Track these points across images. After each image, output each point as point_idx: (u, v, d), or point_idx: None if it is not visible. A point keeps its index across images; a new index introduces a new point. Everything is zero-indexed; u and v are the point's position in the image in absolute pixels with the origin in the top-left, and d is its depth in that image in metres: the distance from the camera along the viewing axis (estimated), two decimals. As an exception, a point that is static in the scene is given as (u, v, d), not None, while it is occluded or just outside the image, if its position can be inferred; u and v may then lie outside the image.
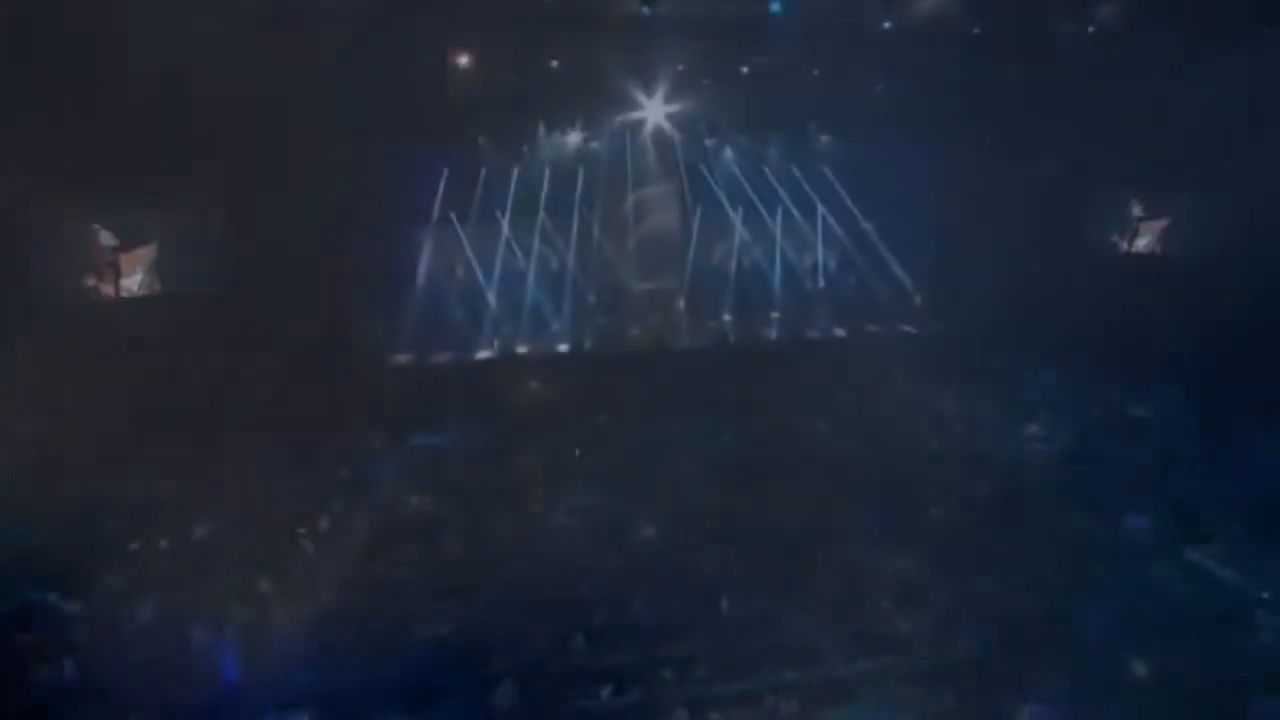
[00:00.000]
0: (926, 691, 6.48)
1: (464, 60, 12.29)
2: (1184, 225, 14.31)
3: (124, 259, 12.52)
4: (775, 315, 16.27)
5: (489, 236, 15.66)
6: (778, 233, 16.62)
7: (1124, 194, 15.07)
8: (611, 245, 16.33)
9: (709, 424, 12.61)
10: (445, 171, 15.18)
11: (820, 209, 16.48)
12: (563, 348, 15.28)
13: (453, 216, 15.45)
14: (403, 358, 14.73)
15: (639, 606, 7.86)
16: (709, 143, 16.12)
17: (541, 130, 15.27)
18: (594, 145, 15.67)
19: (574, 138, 15.50)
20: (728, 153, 16.35)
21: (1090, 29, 12.49)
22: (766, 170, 16.46)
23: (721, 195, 16.39)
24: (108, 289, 12.42)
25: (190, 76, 10.28)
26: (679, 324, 16.08)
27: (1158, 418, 12.07)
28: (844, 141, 16.25)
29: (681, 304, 16.44)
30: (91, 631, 6.90)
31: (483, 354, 14.97)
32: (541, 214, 15.71)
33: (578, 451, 12.09)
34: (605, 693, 6.66)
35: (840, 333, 15.87)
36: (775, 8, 11.28)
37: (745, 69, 13.92)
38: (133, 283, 12.69)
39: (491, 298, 15.59)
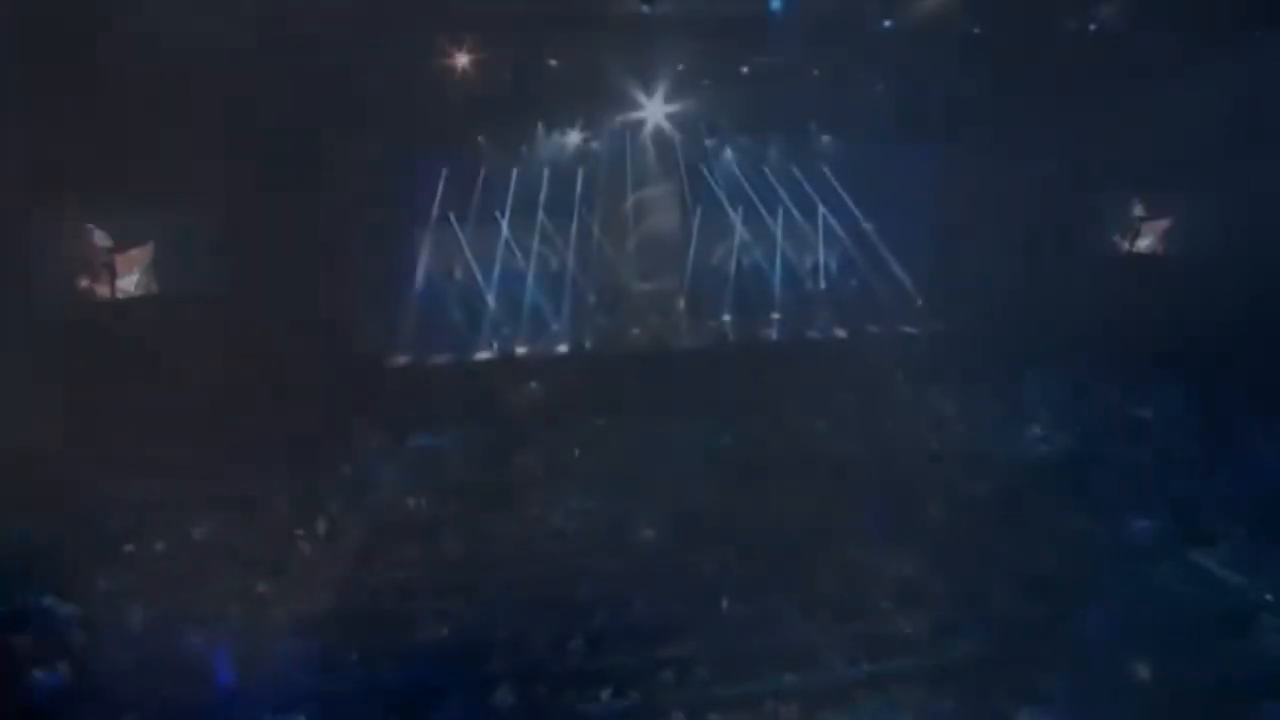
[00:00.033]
0: (928, 693, 6.44)
1: (463, 60, 12.23)
2: (1186, 225, 14.29)
3: (119, 260, 12.48)
4: (776, 316, 16.21)
5: (488, 237, 15.60)
6: (778, 233, 16.58)
7: (1125, 194, 15.05)
8: (611, 245, 16.28)
9: (709, 424, 12.59)
10: (444, 172, 15.14)
11: (821, 209, 16.43)
12: (562, 348, 15.23)
13: (451, 217, 15.40)
14: (401, 358, 14.68)
15: (639, 608, 7.84)
16: (709, 143, 16.08)
17: (541, 130, 15.25)
18: (594, 145, 15.63)
19: (574, 138, 15.46)
20: (728, 153, 16.31)
21: (1092, 26, 12.44)
22: (767, 170, 16.42)
23: (721, 195, 16.33)
24: (103, 290, 12.37)
25: (188, 76, 10.26)
26: (679, 324, 16.03)
27: (1160, 418, 12.04)
28: (844, 141, 16.21)
29: (681, 304, 16.39)
30: (87, 634, 6.84)
31: (482, 355, 14.92)
32: (541, 214, 15.67)
33: (577, 452, 12.07)
34: (604, 695, 6.62)
35: (841, 333, 15.82)
36: (775, 6, 11.22)
37: (745, 69, 13.89)
38: (129, 284, 12.64)
39: (491, 298, 15.54)
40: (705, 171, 16.22)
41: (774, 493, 9.97)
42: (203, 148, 11.18)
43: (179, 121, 10.76)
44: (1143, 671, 6.37)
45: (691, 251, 16.60)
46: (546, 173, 15.55)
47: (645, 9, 11.00)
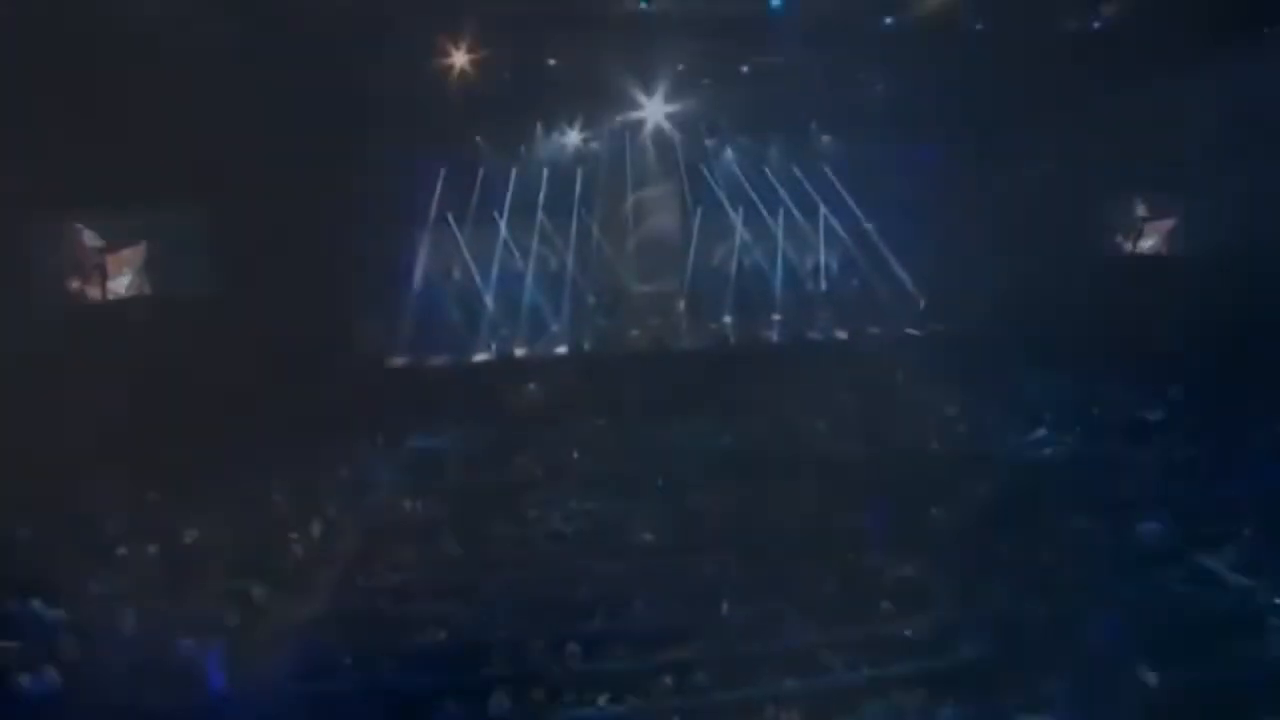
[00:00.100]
0: (930, 697, 6.35)
1: (462, 60, 12.18)
2: (1186, 225, 14.24)
3: (110, 260, 12.42)
4: (776, 317, 16.14)
5: (487, 237, 15.54)
6: (779, 233, 16.51)
7: (1126, 194, 14.99)
8: (611, 246, 16.22)
9: (709, 425, 12.51)
10: (442, 172, 15.09)
11: (821, 209, 16.37)
12: (562, 349, 15.15)
13: (450, 217, 15.34)
14: (399, 360, 14.61)
15: (637, 611, 7.75)
16: (709, 143, 16.03)
17: (540, 130, 15.19)
18: (593, 145, 15.58)
19: (573, 138, 15.42)
20: (728, 153, 16.26)
21: (1095, 25, 12.39)
22: (767, 170, 16.36)
23: (722, 196, 16.27)
24: (94, 291, 12.30)
25: (186, 75, 10.21)
26: (679, 326, 15.95)
27: (1165, 419, 11.96)
28: (845, 141, 16.16)
29: (681, 305, 16.31)
30: (77, 638, 6.76)
31: (480, 356, 14.84)
32: (540, 215, 15.60)
33: (576, 454, 11.99)
34: (602, 700, 6.52)
35: (842, 334, 15.74)
36: (775, 5, 11.17)
37: (745, 69, 13.85)
38: (120, 285, 12.57)
39: (489, 299, 15.46)
40: (705, 172, 16.17)
41: (775, 494, 9.88)
42: (201, 148, 11.15)
43: (176, 121, 10.72)
44: (1150, 677, 6.28)
45: (691, 252, 16.53)
46: (546, 173, 15.50)
47: (644, 6, 10.95)
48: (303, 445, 11.46)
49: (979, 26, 12.59)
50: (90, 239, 12.27)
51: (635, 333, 15.68)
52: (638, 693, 6.55)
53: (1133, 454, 10.95)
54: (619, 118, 14.95)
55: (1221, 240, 12.70)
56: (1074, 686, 6.23)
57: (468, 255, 15.51)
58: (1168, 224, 14.63)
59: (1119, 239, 15.29)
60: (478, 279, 15.50)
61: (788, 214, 16.42)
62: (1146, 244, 14.88)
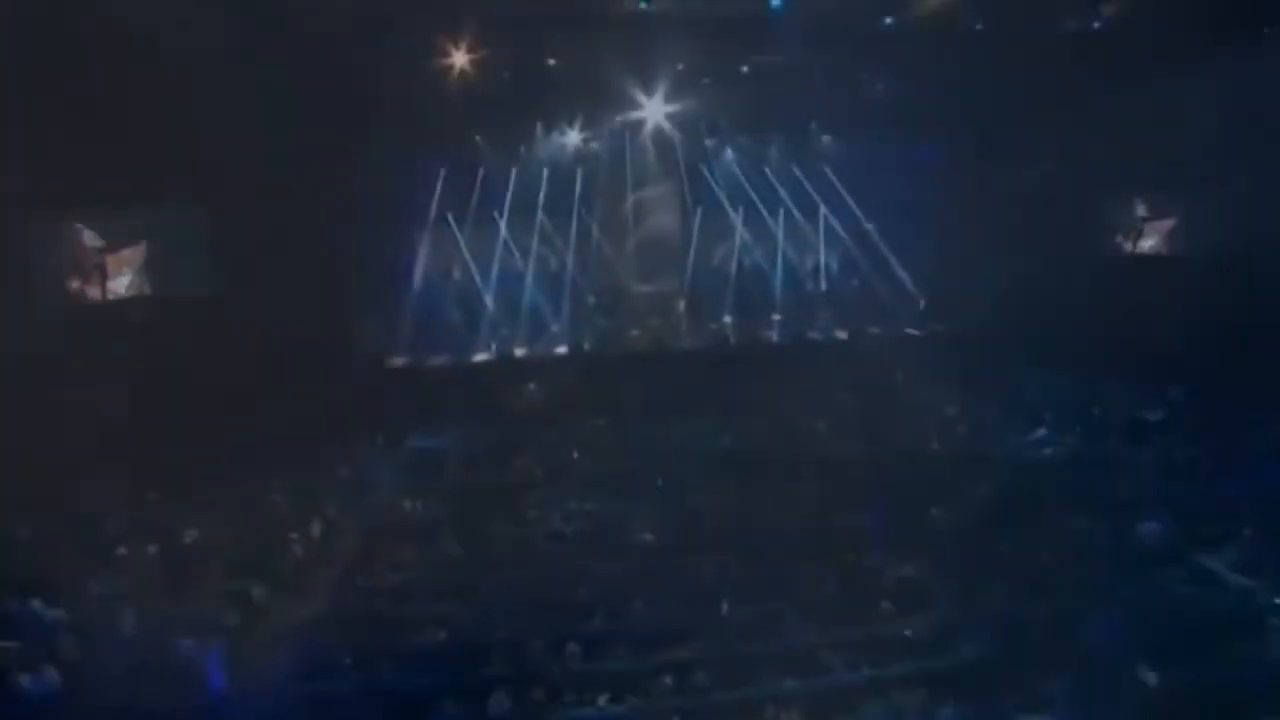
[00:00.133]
0: (930, 697, 6.35)
1: (462, 59, 12.18)
2: (1187, 225, 14.23)
3: (110, 260, 12.41)
4: (776, 317, 16.13)
5: (487, 237, 15.53)
6: (779, 234, 16.50)
7: (1126, 194, 14.99)
8: (611, 246, 16.21)
9: (709, 426, 12.51)
10: (442, 172, 15.08)
11: (822, 209, 16.36)
12: (561, 350, 15.15)
13: (450, 217, 15.33)
14: (400, 360, 14.61)
15: (637, 611, 7.74)
16: (709, 143, 16.03)
17: (540, 130, 15.19)
18: (593, 145, 15.58)
19: (573, 137, 15.41)
20: (728, 153, 16.25)
21: (1095, 25, 12.39)
22: (767, 170, 16.35)
23: (722, 195, 16.27)
24: (94, 291, 12.30)
25: (186, 75, 10.21)
26: (679, 326, 15.95)
27: (1165, 419, 11.95)
28: (844, 141, 16.15)
29: (681, 306, 16.31)
30: (76, 639, 6.75)
31: (480, 356, 14.83)
32: (540, 215, 15.60)
33: (576, 454, 11.99)
34: (602, 700, 6.52)
35: (842, 334, 15.74)
36: (775, 5, 11.17)
37: (745, 69, 13.85)
38: (120, 285, 12.57)
39: (489, 299, 15.46)
40: (705, 172, 16.16)
41: (775, 495, 9.88)
42: (201, 148, 11.15)
43: (176, 121, 10.72)
44: (1151, 677, 6.28)
45: (691, 252, 16.52)
46: (546, 173, 15.49)
47: (644, 6, 10.95)
48: (303, 445, 11.45)
49: (979, 26, 12.59)
50: (90, 239, 12.25)
51: (635, 333, 15.68)
52: (638, 693, 6.55)
53: (1133, 454, 10.95)
54: (619, 118, 14.95)
55: (1221, 240, 12.69)
56: (1074, 686, 6.22)
57: (468, 255, 15.51)
58: (1168, 224, 14.62)
59: (1119, 239, 15.29)
60: (478, 279, 15.50)
61: (788, 214, 16.42)
62: (1146, 244, 14.87)
